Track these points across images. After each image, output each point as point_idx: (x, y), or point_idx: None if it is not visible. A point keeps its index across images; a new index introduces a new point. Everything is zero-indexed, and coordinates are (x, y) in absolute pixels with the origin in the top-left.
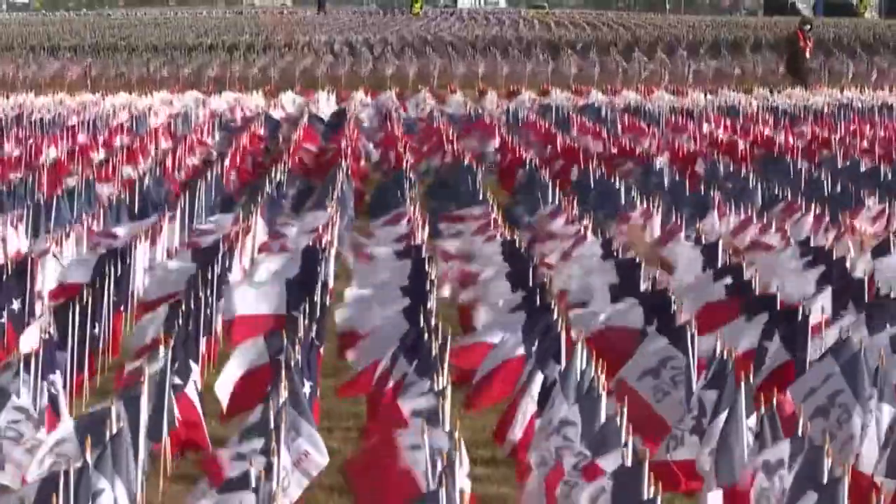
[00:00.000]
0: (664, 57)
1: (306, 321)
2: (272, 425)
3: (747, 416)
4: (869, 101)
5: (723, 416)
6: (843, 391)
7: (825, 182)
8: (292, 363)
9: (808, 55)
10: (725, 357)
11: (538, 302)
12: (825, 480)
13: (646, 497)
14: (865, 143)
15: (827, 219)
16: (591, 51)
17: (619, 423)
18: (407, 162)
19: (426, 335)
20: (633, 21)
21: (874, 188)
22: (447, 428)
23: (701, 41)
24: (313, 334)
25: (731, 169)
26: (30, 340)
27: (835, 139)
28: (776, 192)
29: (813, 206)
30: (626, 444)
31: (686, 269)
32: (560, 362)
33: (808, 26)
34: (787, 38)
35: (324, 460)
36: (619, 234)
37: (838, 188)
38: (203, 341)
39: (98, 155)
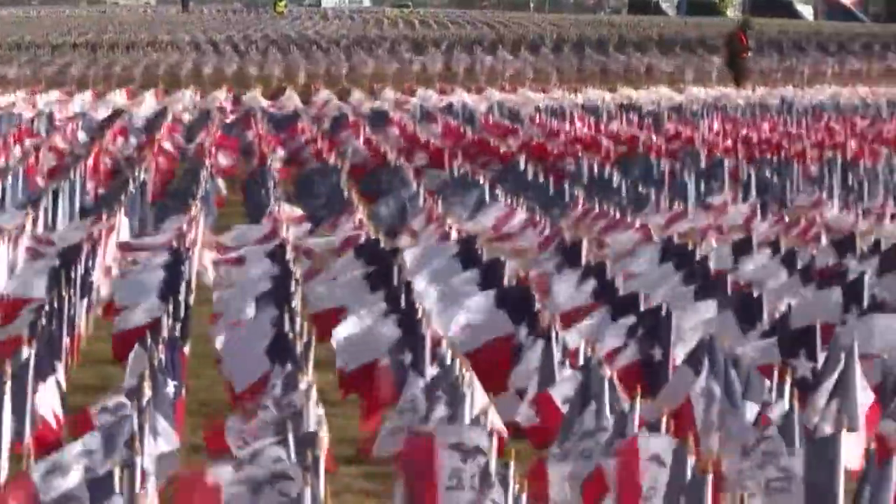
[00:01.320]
0: (528, 55)
1: (170, 321)
2: (135, 425)
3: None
4: (742, 98)
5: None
6: (715, 396)
7: (687, 180)
8: (155, 362)
9: (747, 55)
10: (589, 355)
11: (403, 304)
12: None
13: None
14: (729, 142)
15: (689, 216)
16: (455, 49)
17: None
18: (271, 161)
19: (291, 335)
20: (497, 20)
21: (734, 185)
22: None
23: (565, 39)
24: (177, 333)
25: (595, 167)
26: None
27: (698, 138)
28: (640, 190)
29: (676, 203)
30: None
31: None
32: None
33: (748, 27)
34: (729, 38)
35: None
36: (482, 231)
37: (702, 186)
38: (66, 340)
39: None
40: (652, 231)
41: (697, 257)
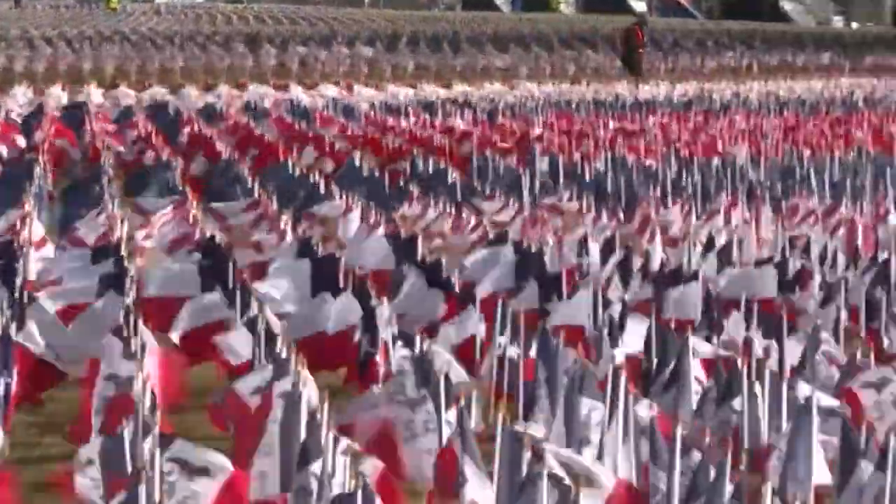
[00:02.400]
0: (364, 50)
1: (4, 318)
2: None
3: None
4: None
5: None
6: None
7: (524, 177)
8: None
9: (643, 51)
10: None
11: (239, 301)
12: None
13: None
14: (565, 139)
15: (526, 213)
16: (289, 45)
17: None
18: (106, 157)
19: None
20: (331, 16)
21: (570, 183)
22: None
23: (400, 35)
24: (12, 330)
25: (432, 164)
26: None
27: (533, 135)
28: (476, 187)
29: (511, 200)
30: None
31: (381, 263)
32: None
33: (645, 23)
34: (625, 34)
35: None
36: (316, 229)
37: (537, 183)
38: None
39: None
40: (487, 228)
41: (532, 251)
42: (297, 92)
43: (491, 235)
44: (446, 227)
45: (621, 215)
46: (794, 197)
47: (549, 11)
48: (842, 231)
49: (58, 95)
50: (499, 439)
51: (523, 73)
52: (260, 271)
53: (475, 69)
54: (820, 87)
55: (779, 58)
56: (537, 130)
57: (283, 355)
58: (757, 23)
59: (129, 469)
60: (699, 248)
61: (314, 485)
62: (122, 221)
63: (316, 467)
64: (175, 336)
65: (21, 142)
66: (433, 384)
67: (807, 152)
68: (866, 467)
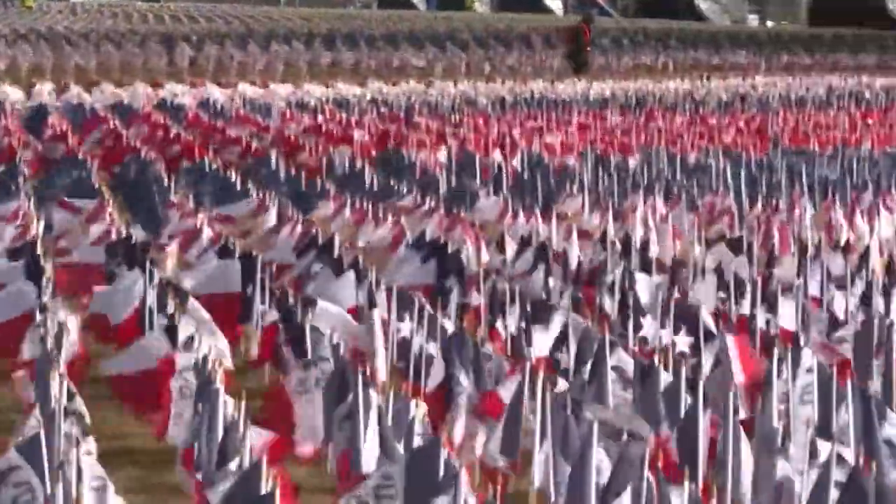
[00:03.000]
0: (280, 49)
1: None
2: None
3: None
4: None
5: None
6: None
7: (438, 175)
8: None
9: (590, 49)
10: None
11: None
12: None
13: None
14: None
15: (442, 211)
16: (205, 43)
17: None
18: (20, 155)
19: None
20: (247, 14)
21: (495, 184)
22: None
23: (315, 34)
24: None
25: (348, 162)
26: None
27: (450, 133)
28: (392, 185)
29: (428, 199)
30: None
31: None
32: None
33: (591, 22)
34: (572, 32)
35: None
36: (234, 227)
37: (452, 180)
38: None
39: None
40: (405, 227)
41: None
42: (213, 90)
43: (408, 234)
44: (368, 227)
45: (538, 213)
46: (710, 195)
47: (464, 10)
48: (761, 228)
49: None
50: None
51: (439, 71)
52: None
53: (390, 67)
54: (735, 86)
55: (694, 56)
56: (454, 128)
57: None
58: (673, 21)
59: None
60: (617, 247)
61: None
62: (37, 219)
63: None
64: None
65: None
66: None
67: (722, 150)
68: (783, 466)
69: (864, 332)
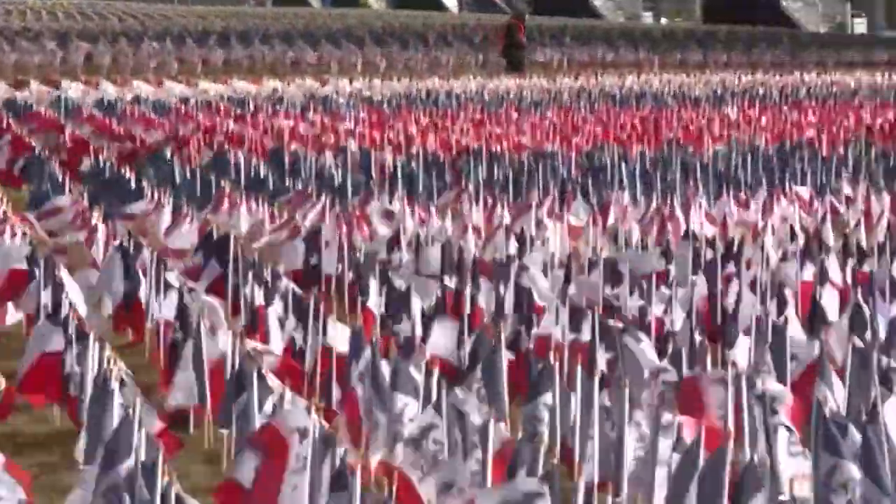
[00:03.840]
0: (174, 46)
1: None
2: None
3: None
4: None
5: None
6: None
7: (334, 173)
8: None
9: (524, 45)
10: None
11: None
12: None
13: None
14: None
15: (338, 208)
16: (99, 41)
17: None
18: None
19: None
20: (142, 11)
21: (390, 181)
22: None
23: (210, 31)
24: None
25: (244, 160)
26: None
27: (343, 130)
28: (287, 184)
29: (324, 196)
30: None
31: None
32: None
33: (523, 19)
34: (506, 30)
35: None
36: (129, 226)
37: (349, 180)
38: None
39: None
40: (299, 226)
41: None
42: (107, 88)
43: (304, 233)
44: (265, 225)
45: (433, 210)
46: (606, 191)
47: (359, 7)
48: (655, 224)
49: None
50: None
51: (334, 68)
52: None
53: (285, 64)
54: (630, 83)
55: (589, 53)
56: (349, 126)
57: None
58: (567, 18)
59: None
60: (512, 242)
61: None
62: None
63: None
64: None
65: None
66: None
67: (616, 147)
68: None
69: (758, 330)
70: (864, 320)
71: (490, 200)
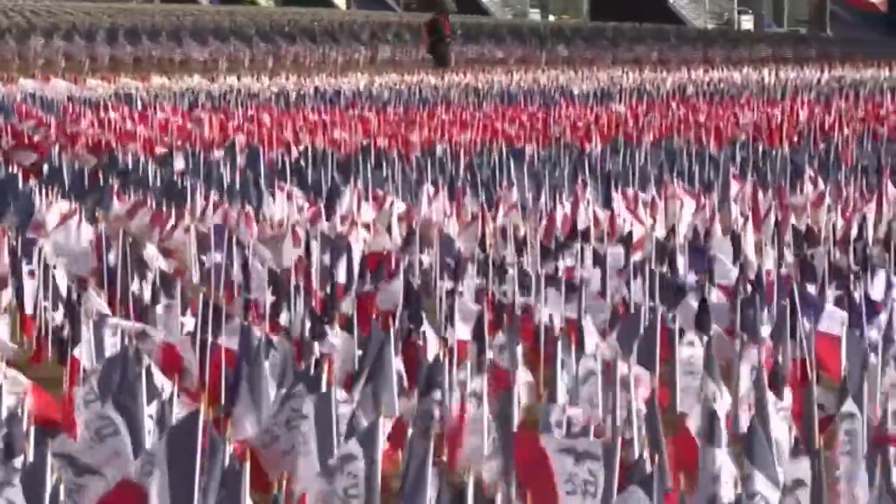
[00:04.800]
0: (61, 43)
1: None
2: None
3: None
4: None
5: None
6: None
7: (225, 171)
8: None
9: (450, 40)
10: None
11: None
12: None
13: None
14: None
15: (227, 205)
16: None
17: None
18: None
19: None
20: (28, 7)
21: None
22: None
23: (97, 28)
24: None
25: (131, 158)
26: None
27: (233, 127)
28: (176, 181)
29: (213, 194)
30: None
31: (81, 263)
32: None
33: (447, 14)
34: (431, 25)
35: None
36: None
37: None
38: None
39: None
40: (196, 226)
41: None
42: None
43: (194, 230)
44: (156, 224)
45: (322, 206)
46: (495, 189)
47: (246, 4)
48: (544, 222)
49: None
50: None
51: (223, 65)
52: None
53: (173, 62)
54: (518, 79)
55: (477, 50)
56: (237, 123)
57: None
58: (455, 16)
59: None
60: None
61: None
62: None
63: None
64: None
65: None
66: None
67: (505, 144)
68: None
69: (650, 328)
70: (749, 318)
71: (381, 197)
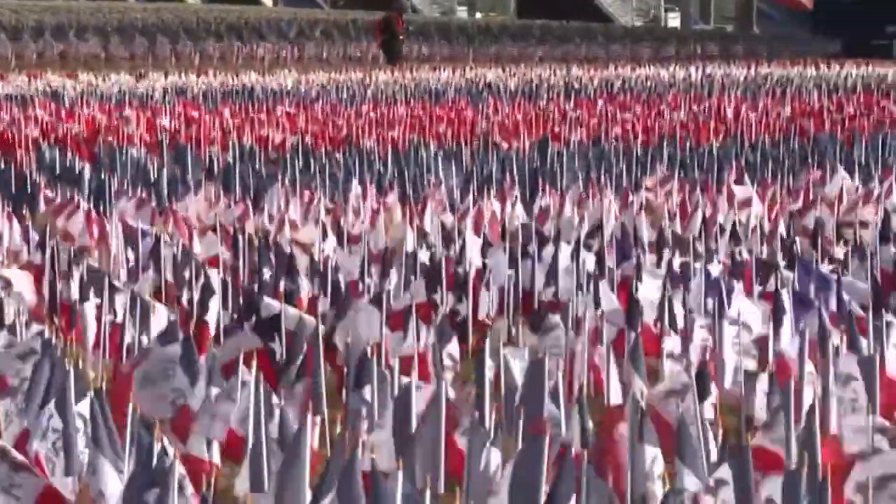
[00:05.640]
0: None
1: None
2: None
3: None
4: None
5: None
6: None
7: (152, 170)
8: None
9: (403, 38)
10: None
11: None
12: None
13: None
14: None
15: (154, 203)
16: None
17: None
18: None
19: None
20: None
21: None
22: None
23: (23, 25)
24: None
25: (59, 157)
26: None
27: (162, 125)
28: (104, 180)
29: (140, 192)
30: None
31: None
32: None
33: (403, 12)
34: (384, 23)
35: None
36: None
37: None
38: None
39: None
40: (120, 227)
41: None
42: None
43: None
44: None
45: (250, 204)
46: (422, 186)
47: (174, 1)
48: (469, 220)
49: None
50: None
51: (150, 63)
52: None
53: (100, 59)
54: (444, 77)
55: (404, 48)
56: (166, 121)
57: None
58: (381, 13)
59: None
60: (331, 237)
61: None
62: None
63: None
64: None
65: None
66: None
67: (434, 142)
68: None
69: (577, 325)
70: (673, 312)
71: (307, 194)
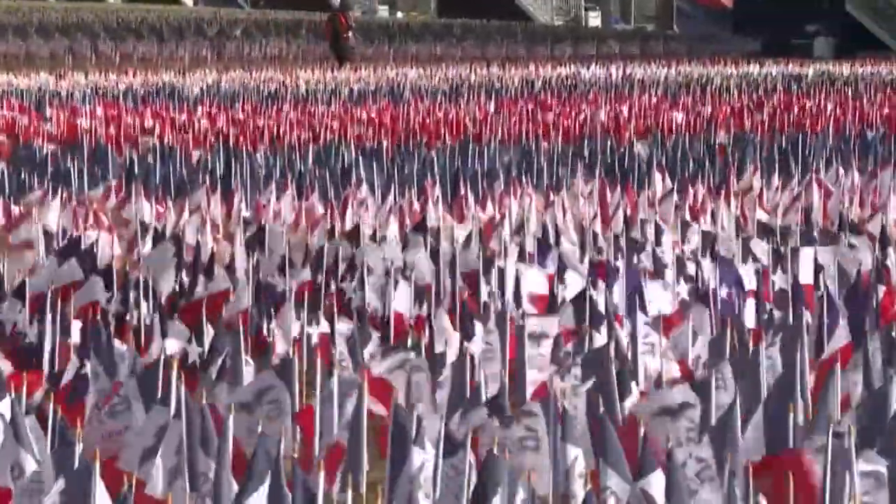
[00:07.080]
0: None
1: None
2: None
3: None
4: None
5: None
6: None
7: (73, 169)
8: None
9: (347, 36)
10: None
11: None
12: None
13: None
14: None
15: (74, 204)
16: None
17: None
18: None
19: None
20: None
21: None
22: None
23: None
24: None
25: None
26: None
27: (83, 126)
28: (24, 180)
29: (61, 193)
30: None
31: None
32: None
33: (349, 9)
34: (329, 22)
35: None
36: None
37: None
38: None
39: None
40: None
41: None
42: None
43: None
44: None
45: (171, 204)
46: (344, 186)
47: (95, 1)
48: (394, 219)
49: None
50: None
51: (69, 62)
52: None
53: (19, 58)
54: (366, 76)
55: (351, 47)
56: (86, 122)
57: None
58: (303, 12)
59: None
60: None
61: None
62: None
63: None
64: None
65: None
66: None
67: (356, 143)
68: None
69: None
70: (598, 311)
71: (229, 195)
